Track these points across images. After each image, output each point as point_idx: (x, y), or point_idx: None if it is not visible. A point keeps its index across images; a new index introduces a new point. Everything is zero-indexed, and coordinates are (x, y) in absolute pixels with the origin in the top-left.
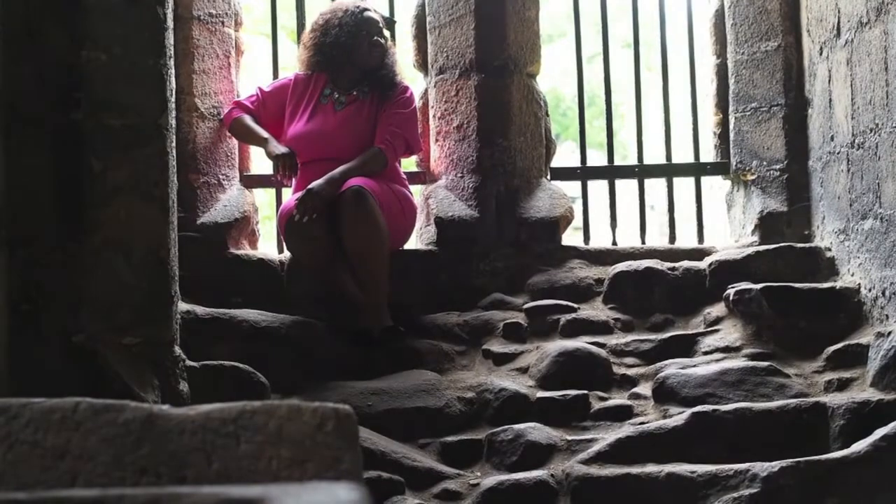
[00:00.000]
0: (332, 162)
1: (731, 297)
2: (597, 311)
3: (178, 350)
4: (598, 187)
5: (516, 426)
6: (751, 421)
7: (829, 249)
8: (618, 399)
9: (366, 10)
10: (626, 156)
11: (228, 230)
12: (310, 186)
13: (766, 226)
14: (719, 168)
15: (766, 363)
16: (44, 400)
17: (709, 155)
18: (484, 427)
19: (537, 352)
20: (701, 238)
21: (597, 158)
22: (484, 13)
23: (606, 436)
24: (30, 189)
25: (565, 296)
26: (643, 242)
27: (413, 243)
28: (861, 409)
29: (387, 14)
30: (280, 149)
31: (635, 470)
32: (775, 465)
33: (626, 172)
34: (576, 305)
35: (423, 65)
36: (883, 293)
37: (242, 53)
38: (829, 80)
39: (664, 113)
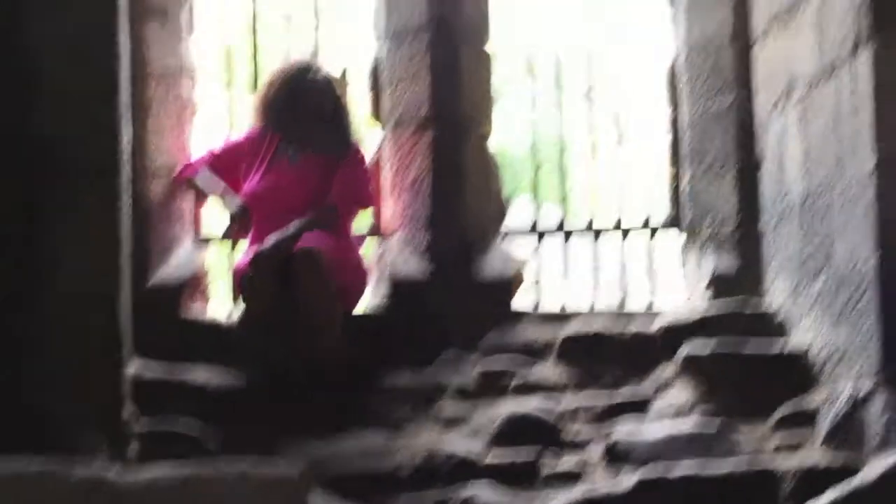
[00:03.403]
0: (286, 217)
1: (681, 359)
2: (548, 372)
3: (127, 412)
4: (551, 245)
5: (466, 489)
6: (700, 485)
7: (781, 308)
8: (569, 462)
9: (309, 70)
10: (580, 210)
11: (181, 289)
12: (262, 246)
13: (719, 284)
14: (672, 225)
15: (716, 425)
16: None
17: (662, 212)
18: (435, 489)
19: (488, 413)
20: (653, 296)
21: (550, 215)
22: (439, 70)
23: (557, 499)
24: None
25: (517, 356)
26: (596, 301)
27: (366, 301)
28: (811, 472)
29: (340, 69)
30: (234, 204)
31: None
32: None
33: (578, 231)
34: (528, 366)
35: (378, 119)
36: (833, 353)
37: (197, 110)
38: (782, 138)
39: (617, 170)
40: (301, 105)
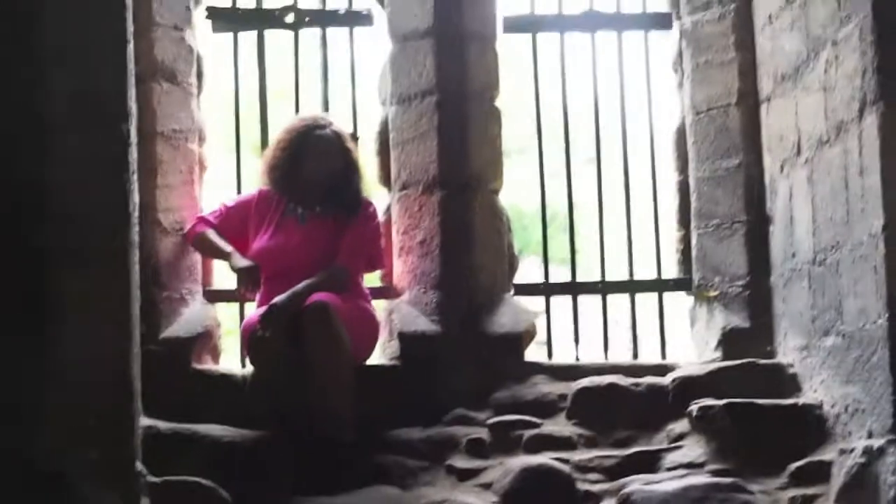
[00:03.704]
0: (295, 276)
1: (694, 414)
2: (560, 426)
3: (139, 466)
4: (561, 302)
5: None
6: None
7: (792, 366)
8: None
9: (317, 127)
10: (589, 269)
11: (191, 345)
12: (273, 302)
13: (729, 342)
14: (681, 284)
15: (729, 480)
16: None
17: (671, 271)
18: None
19: (501, 468)
20: (664, 354)
21: (560, 274)
22: (447, 130)
23: None
24: None
25: (529, 411)
26: (606, 358)
27: (376, 358)
28: None
29: (349, 129)
30: (243, 262)
31: None
32: None
33: (588, 288)
34: (539, 421)
35: (386, 180)
36: (845, 410)
37: (206, 169)
38: (791, 198)
39: (626, 229)
40: (308, 164)
